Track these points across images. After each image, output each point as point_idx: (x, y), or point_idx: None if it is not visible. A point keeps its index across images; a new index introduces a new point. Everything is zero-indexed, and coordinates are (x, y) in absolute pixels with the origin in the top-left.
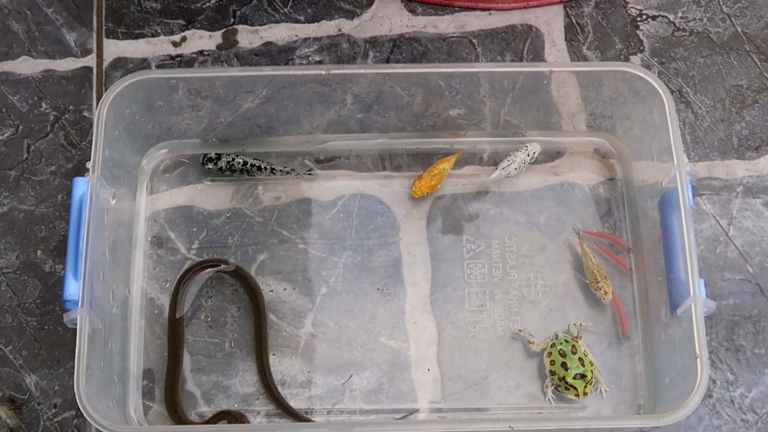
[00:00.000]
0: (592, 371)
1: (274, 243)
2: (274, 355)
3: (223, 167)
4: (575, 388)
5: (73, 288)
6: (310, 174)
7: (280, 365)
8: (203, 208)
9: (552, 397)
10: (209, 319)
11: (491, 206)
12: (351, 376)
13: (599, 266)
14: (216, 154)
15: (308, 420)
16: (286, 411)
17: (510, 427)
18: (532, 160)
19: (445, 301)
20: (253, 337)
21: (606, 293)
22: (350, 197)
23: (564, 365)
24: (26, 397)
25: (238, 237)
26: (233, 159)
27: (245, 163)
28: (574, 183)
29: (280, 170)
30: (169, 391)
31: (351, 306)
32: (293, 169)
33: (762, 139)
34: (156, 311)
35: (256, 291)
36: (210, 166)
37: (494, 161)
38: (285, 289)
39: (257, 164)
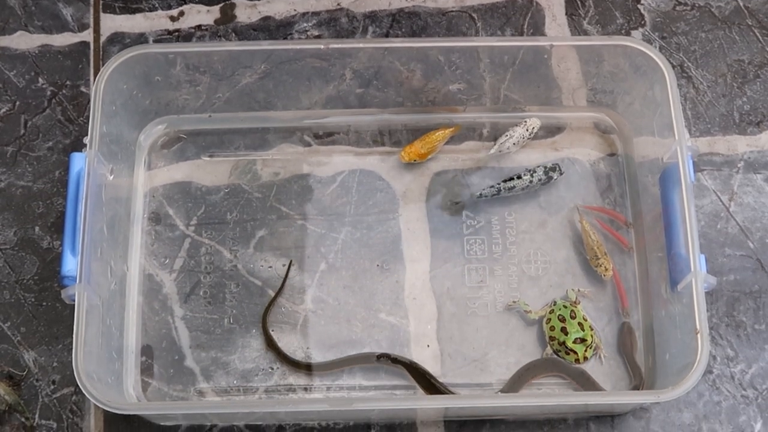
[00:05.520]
0: (591, 335)
1: (273, 219)
2: (273, 331)
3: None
4: (575, 352)
5: (71, 264)
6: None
7: (279, 341)
8: (201, 184)
9: None
10: (208, 296)
11: (491, 182)
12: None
13: (599, 243)
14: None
15: None
16: None
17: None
18: (532, 135)
19: (445, 278)
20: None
21: (607, 270)
22: (349, 173)
23: (564, 330)
24: (25, 373)
25: (237, 213)
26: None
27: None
28: (574, 159)
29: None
30: None
31: (350, 282)
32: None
33: (763, 114)
34: (154, 287)
35: None
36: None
37: (494, 137)
38: (284, 266)
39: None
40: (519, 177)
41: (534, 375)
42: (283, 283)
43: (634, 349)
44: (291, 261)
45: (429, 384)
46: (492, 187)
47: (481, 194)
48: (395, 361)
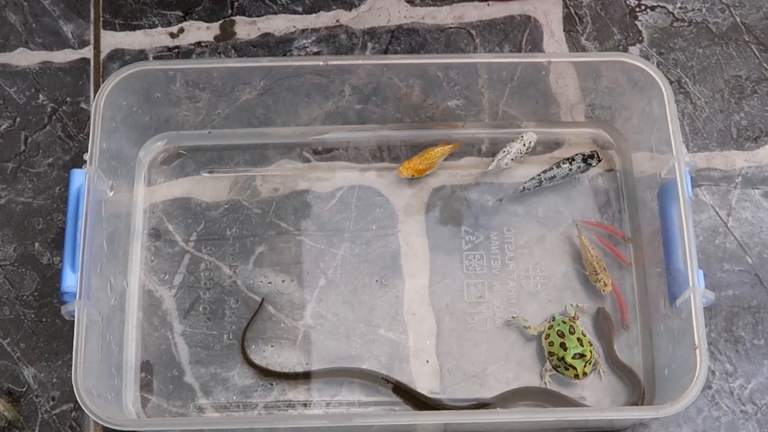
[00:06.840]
0: (591, 351)
1: (273, 235)
2: (272, 347)
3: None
4: (574, 367)
5: (70, 280)
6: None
7: (279, 357)
8: (201, 200)
9: (549, 381)
10: (207, 311)
11: (490, 197)
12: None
13: (598, 258)
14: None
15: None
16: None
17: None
18: (529, 149)
19: (444, 293)
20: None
21: (606, 285)
22: (348, 189)
23: (563, 345)
24: (24, 389)
25: (236, 229)
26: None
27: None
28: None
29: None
30: None
31: (349, 298)
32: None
33: (761, 129)
34: (154, 303)
35: None
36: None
37: (493, 152)
38: (283, 281)
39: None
40: (558, 165)
41: (524, 399)
42: (254, 315)
43: (613, 333)
44: (263, 299)
45: (421, 404)
46: (533, 179)
47: (524, 188)
48: (388, 382)
